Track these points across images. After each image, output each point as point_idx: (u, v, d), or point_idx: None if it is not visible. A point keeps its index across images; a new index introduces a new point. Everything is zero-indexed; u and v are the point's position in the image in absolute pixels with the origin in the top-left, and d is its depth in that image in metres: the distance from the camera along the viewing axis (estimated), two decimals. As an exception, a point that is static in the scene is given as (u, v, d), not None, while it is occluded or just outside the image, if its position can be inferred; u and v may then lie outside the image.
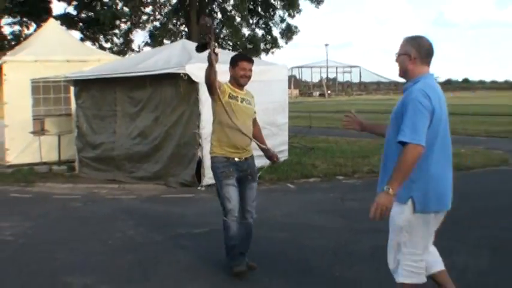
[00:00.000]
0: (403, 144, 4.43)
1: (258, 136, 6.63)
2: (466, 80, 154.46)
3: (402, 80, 4.97)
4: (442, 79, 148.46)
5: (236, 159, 6.19)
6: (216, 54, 5.92)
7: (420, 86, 4.64)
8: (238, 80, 6.34)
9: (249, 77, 6.36)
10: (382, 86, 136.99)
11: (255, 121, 6.66)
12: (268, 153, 6.57)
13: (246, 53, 29.47)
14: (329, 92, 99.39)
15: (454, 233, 8.07)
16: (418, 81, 4.75)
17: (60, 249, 8.06)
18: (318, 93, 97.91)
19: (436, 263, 5.04)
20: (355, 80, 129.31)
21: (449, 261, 6.86)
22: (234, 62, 6.49)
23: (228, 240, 6.28)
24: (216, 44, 5.97)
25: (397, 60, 4.87)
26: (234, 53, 16.64)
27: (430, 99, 4.51)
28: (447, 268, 6.57)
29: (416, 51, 4.73)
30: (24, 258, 7.62)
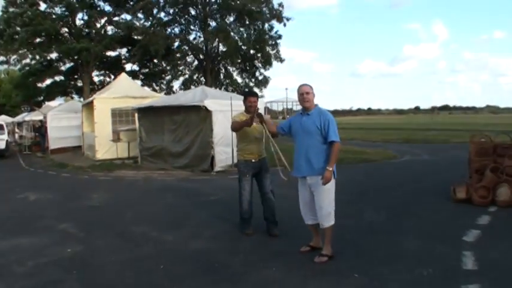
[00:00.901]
0: (333, 142, 4.73)
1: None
2: (369, 108, 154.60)
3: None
4: (355, 107, 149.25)
5: (253, 160, 5.88)
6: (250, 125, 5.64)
7: (325, 110, 4.98)
8: (247, 109, 5.96)
9: (254, 107, 5.86)
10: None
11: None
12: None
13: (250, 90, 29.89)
14: (288, 116, 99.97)
15: (364, 200, 8.03)
16: (318, 107, 5.01)
17: (128, 210, 7.92)
18: (281, 117, 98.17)
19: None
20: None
21: (362, 217, 6.83)
22: (244, 98, 6.07)
23: (242, 214, 6.00)
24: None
25: (308, 97, 4.94)
26: (227, 93, 16.92)
27: None
28: (360, 222, 6.54)
29: (313, 92, 5.00)
30: (106, 216, 7.50)
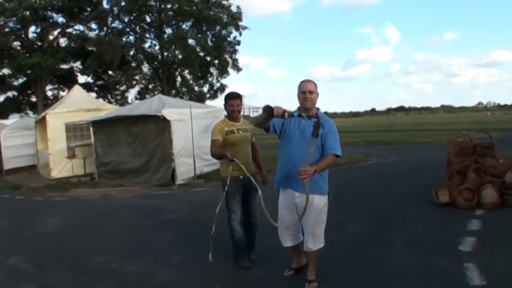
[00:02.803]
0: (332, 155, 3.94)
1: (256, 160, 5.20)
2: (325, 112, 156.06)
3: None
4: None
5: (241, 176, 4.67)
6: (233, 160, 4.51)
7: (328, 117, 4.16)
8: (230, 115, 4.90)
9: (238, 111, 4.85)
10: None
11: (254, 145, 5.13)
12: (261, 175, 5.19)
13: (201, 97, 29.16)
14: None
15: (341, 209, 7.22)
16: (321, 112, 4.14)
17: (84, 235, 7.01)
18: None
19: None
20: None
21: (344, 229, 6.16)
22: (225, 101, 4.90)
23: (235, 242, 4.90)
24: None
25: (311, 97, 4.01)
26: (185, 101, 16.15)
27: None
28: (344, 235, 5.91)
29: (317, 92, 4.13)
30: (61, 244, 6.54)
